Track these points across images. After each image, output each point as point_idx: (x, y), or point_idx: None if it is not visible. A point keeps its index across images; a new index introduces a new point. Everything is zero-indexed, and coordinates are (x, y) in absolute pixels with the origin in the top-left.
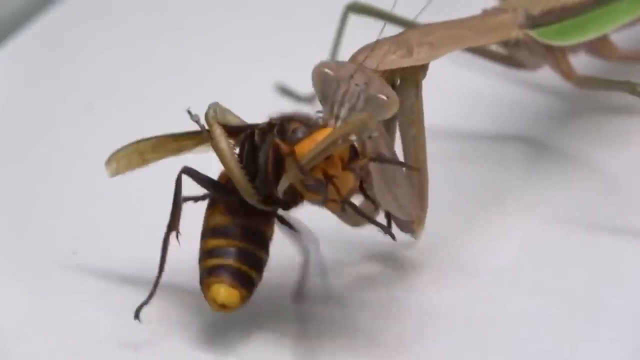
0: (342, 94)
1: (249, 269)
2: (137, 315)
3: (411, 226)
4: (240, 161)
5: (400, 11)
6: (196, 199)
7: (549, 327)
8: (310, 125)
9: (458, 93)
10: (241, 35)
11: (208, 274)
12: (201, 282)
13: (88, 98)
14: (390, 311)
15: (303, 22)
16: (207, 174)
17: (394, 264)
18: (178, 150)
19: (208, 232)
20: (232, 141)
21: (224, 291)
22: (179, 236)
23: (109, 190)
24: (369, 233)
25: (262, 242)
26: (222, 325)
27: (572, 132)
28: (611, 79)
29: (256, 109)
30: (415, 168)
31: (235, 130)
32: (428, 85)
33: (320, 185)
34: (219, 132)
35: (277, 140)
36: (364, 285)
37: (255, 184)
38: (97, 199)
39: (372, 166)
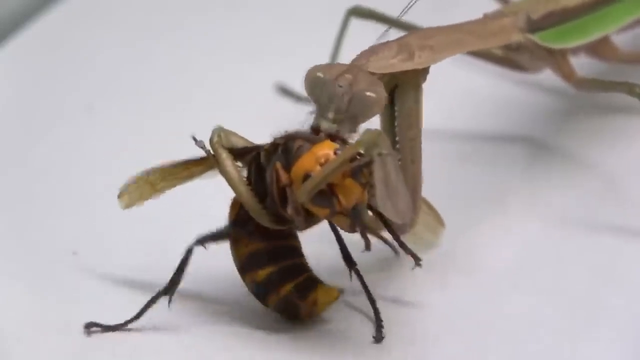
0: (328, 96)
1: (312, 274)
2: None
3: (405, 228)
4: (249, 183)
5: (402, 15)
6: (215, 237)
7: (549, 327)
8: (314, 143)
9: (458, 93)
10: (241, 35)
11: (298, 292)
12: (292, 303)
13: (88, 98)
14: (390, 311)
15: (303, 22)
16: (217, 231)
17: (394, 264)
18: (188, 177)
19: (250, 264)
20: (239, 164)
21: (326, 291)
22: (170, 302)
23: (109, 190)
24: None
25: (297, 251)
26: (220, 326)
27: (572, 132)
28: (610, 80)
29: (256, 109)
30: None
31: (241, 153)
32: (429, 85)
33: (325, 198)
34: (224, 157)
35: (278, 167)
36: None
37: (266, 204)
38: (97, 199)
39: (378, 178)
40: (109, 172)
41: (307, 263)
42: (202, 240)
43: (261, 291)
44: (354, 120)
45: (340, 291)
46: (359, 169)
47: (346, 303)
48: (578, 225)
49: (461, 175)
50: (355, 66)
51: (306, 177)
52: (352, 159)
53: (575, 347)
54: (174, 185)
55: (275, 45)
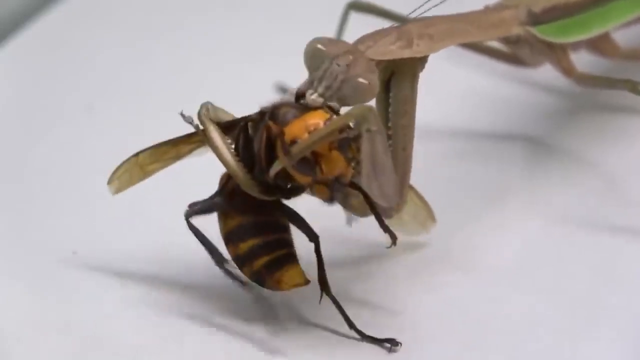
0: (323, 71)
1: (291, 250)
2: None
3: (390, 212)
4: (237, 155)
5: (401, 9)
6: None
7: (549, 327)
8: (300, 109)
9: (458, 92)
10: (241, 35)
11: (267, 267)
12: (260, 275)
13: (88, 98)
14: (390, 311)
15: (303, 22)
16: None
17: (394, 263)
18: (177, 156)
19: (234, 236)
20: (227, 138)
21: (294, 273)
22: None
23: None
24: (368, 232)
25: (284, 227)
26: (220, 326)
27: (573, 131)
28: (612, 77)
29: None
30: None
31: (230, 126)
32: (429, 84)
33: (308, 166)
34: (212, 129)
35: (269, 122)
36: (363, 284)
37: (254, 174)
38: (97, 199)
39: (364, 154)
40: (109, 172)
41: (291, 239)
42: (193, 212)
43: (241, 263)
44: (342, 101)
45: (307, 282)
46: (347, 141)
47: (344, 302)
48: (578, 225)
49: (461, 173)
50: (357, 49)
51: (293, 143)
52: (342, 131)
53: (575, 347)
54: (164, 166)
55: (275, 45)
